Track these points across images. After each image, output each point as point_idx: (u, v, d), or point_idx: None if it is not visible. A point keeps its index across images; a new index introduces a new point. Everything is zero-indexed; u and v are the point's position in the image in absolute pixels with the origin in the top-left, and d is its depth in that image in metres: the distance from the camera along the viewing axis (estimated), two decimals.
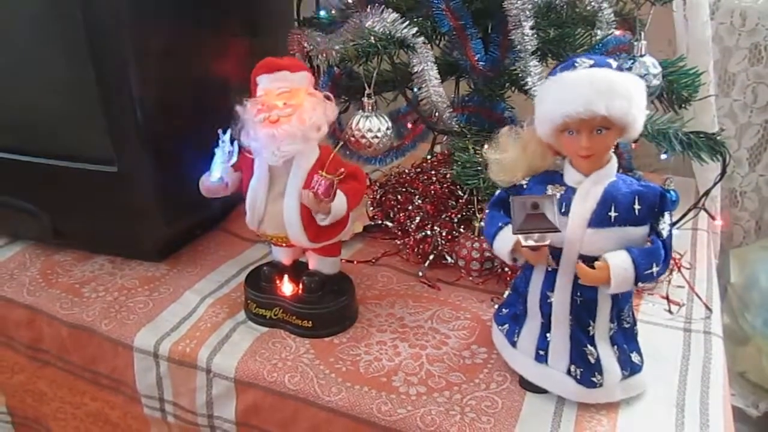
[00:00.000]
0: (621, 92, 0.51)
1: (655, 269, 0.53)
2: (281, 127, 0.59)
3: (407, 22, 0.66)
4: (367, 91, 0.66)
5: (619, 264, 0.52)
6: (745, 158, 1.08)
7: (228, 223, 0.90)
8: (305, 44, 0.79)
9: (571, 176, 0.55)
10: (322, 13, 0.84)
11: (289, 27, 0.93)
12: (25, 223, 0.83)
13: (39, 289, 0.78)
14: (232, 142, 0.62)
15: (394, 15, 0.66)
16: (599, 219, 0.53)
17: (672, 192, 0.84)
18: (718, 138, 0.78)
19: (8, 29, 0.74)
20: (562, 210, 0.54)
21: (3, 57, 0.76)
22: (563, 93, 0.52)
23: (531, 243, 0.52)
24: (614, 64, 0.53)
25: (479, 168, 0.63)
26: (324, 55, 0.74)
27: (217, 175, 0.63)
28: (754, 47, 1.02)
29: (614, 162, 0.55)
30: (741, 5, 1.00)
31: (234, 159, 0.62)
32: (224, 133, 0.62)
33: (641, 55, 0.64)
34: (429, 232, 0.79)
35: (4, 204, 0.83)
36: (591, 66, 0.52)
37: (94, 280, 0.79)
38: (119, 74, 0.69)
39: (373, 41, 0.63)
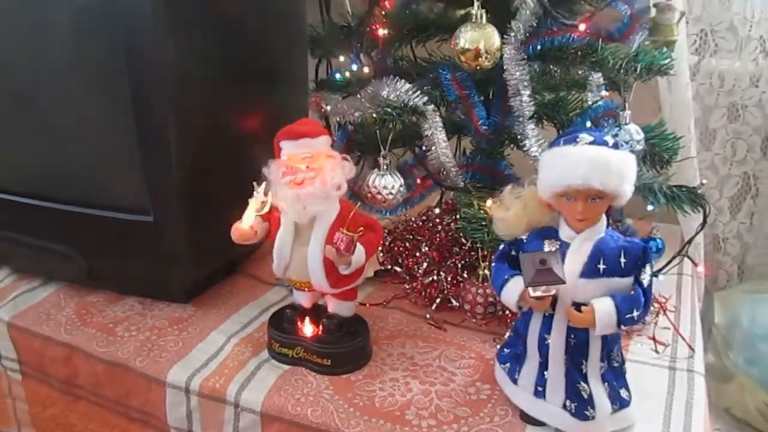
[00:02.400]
0: (615, 170, 0.59)
1: (635, 314, 0.60)
2: (305, 188, 0.66)
3: (419, 92, 0.74)
4: (382, 153, 0.74)
5: (603, 308, 0.59)
6: (726, 207, 1.16)
7: (247, 266, 0.97)
8: (323, 105, 0.88)
9: (565, 232, 0.63)
10: (338, 75, 0.92)
11: (304, 86, 1.02)
12: (62, 266, 0.90)
13: (75, 328, 0.84)
14: (265, 194, 0.69)
15: (407, 85, 0.74)
16: (590, 271, 0.61)
17: (658, 240, 0.92)
18: (699, 191, 0.86)
19: (59, 87, 0.81)
20: None
21: (51, 113, 0.83)
22: (565, 165, 0.60)
23: (539, 294, 0.59)
24: (610, 141, 0.61)
25: (483, 223, 0.71)
26: (341, 116, 0.83)
27: (249, 224, 0.70)
28: (732, 106, 1.11)
29: (603, 221, 0.63)
30: (719, 68, 1.09)
31: (266, 209, 0.69)
32: (258, 185, 0.69)
33: (626, 124, 0.72)
34: (435, 277, 0.87)
35: (43, 247, 0.89)
36: (591, 143, 0.60)
37: (126, 320, 0.85)
38: (159, 133, 0.76)
39: (390, 110, 0.71)
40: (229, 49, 0.84)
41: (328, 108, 0.86)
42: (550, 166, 0.62)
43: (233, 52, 0.85)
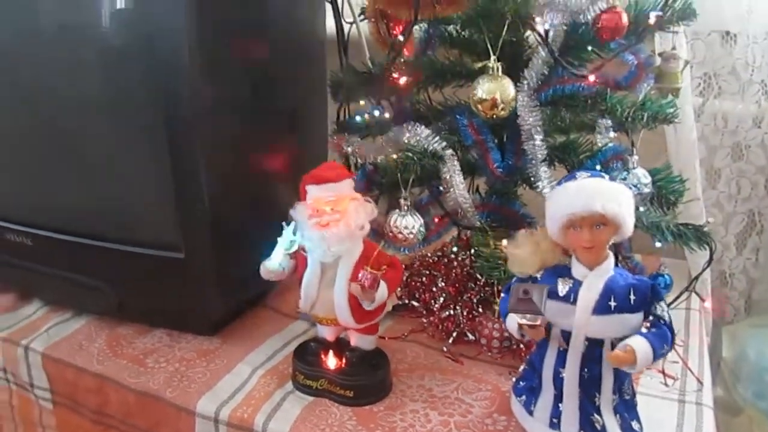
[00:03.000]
0: (613, 196, 0.64)
1: (666, 349, 0.64)
2: (331, 230, 0.71)
3: (438, 137, 0.78)
4: (403, 194, 0.78)
5: (642, 348, 0.62)
6: (732, 243, 1.19)
7: (270, 300, 1.01)
8: (344, 147, 0.93)
9: (577, 270, 0.67)
10: (358, 118, 0.96)
11: (324, 127, 1.07)
12: (93, 299, 0.94)
13: (107, 359, 0.88)
14: (293, 234, 0.74)
15: (427, 131, 0.79)
16: (601, 308, 0.65)
17: (666, 276, 0.95)
18: (705, 229, 0.90)
19: (94, 124, 0.85)
20: (571, 299, 0.66)
21: (86, 150, 0.88)
22: (567, 197, 0.65)
23: (524, 321, 0.64)
24: (606, 177, 0.66)
25: (500, 262, 0.75)
26: (362, 158, 0.88)
27: (277, 261, 0.74)
28: (736, 146, 1.15)
29: (611, 259, 0.67)
30: (723, 109, 1.13)
31: (295, 248, 0.74)
32: (287, 225, 0.73)
33: (634, 168, 0.76)
34: (452, 312, 0.90)
35: (75, 281, 0.94)
36: (588, 177, 0.66)
37: (155, 351, 0.89)
38: (192, 172, 0.81)
39: (411, 154, 0.76)
40: (257, 92, 0.89)
41: (349, 149, 0.91)
42: (555, 201, 0.67)
43: (261, 95, 0.90)
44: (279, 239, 0.74)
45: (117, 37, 0.82)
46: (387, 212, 0.93)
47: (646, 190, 0.76)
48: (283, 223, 0.73)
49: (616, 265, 0.68)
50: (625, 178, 0.75)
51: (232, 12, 0.82)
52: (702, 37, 1.10)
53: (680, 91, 0.86)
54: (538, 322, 0.64)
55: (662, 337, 0.64)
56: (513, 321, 0.66)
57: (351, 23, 1.19)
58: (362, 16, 1.01)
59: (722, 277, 1.21)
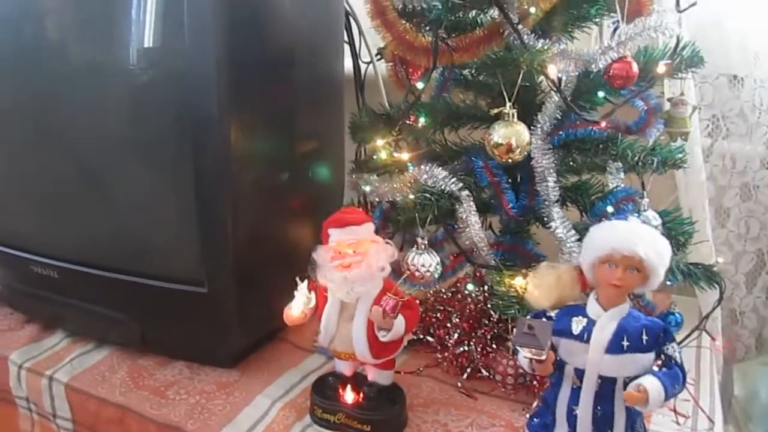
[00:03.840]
0: (658, 248, 0.67)
1: (677, 389, 0.66)
2: (353, 271, 0.73)
3: (454, 178, 0.81)
4: (420, 233, 0.81)
5: (654, 388, 0.64)
6: (742, 282, 1.21)
7: (287, 333, 1.03)
8: (362, 186, 0.96)
9: (592, 309, 0.69)
10: (375, 157, 0.99)
11: (342, 166, 1.10)
12: (116, 330, 0.97)
13: (129, 391, 0.90)
14: (309, 290, 0.76)
15: (444, 172, 0.82)
16: (614, 347, 0.66)
17: (677, 314, 0.97)
18: (715, 269, 0.92)
19: (123, 161, 0.89)
20: (584, 338, 0.68)
21: (114, 186, 0.91)
22: (614, 233, 0.68)
23: (528, 355, 0.66)
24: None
25: (514, 300, 0.77)
26: (380, 197, 0.90)
27: (297, 312, 0.77)
28: (744, 186, 1.17)
29: (627, 302, 0.69)
30: (731, 150, 1.16)
31: (312, 304, 0.76)
32: (302, 281, 0.76)
33: (645, 210, 0.79)
34: (466, 348, 0.92)
35: (98, 313, 0.97)
36: (640, 223, 0.70)
37: (176, 383, 0.91)
38: (217, 211, 0.84)
39: (428, 195, 0.79)
40: (280, 133, 0.92)
41: (367, 188, 0.94)
42: (597, 235, 0.69)
43: (283, 135, 0.93)
44: (296, 292, 0.76)
45: (148, 78, 0.86)
46: (401, 247, 0.96)
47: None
48: (297, 279, 0.76)
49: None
50: None
51: (259, 56, 0.85)
52: (710, 80, 1.13)
53: (689, 135, 0.89)
54: (543, 357, 0.66)
55: (674, 377, 0.65)
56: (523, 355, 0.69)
57: (368, 63, 1.23)
58: (378, 56, 1.05)
59: (733, 315, 1.23)
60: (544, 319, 0.69)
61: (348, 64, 1.17)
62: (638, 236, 0.66)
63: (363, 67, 1.24)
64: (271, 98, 0.90)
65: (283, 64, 0.91)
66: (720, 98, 1.14)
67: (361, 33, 1.21)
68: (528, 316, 0.72)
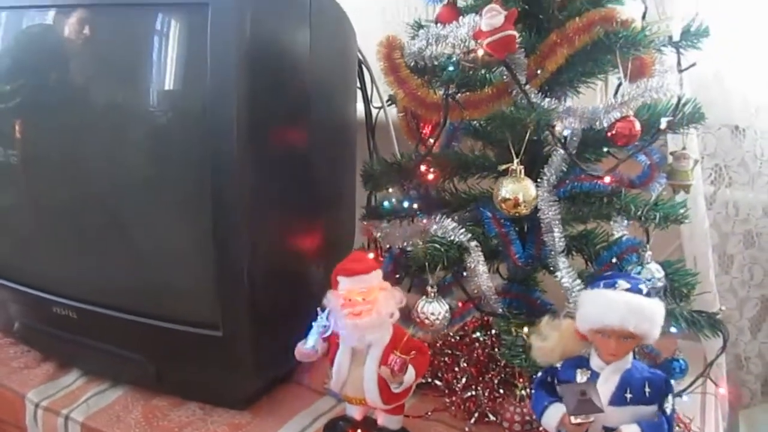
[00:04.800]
0: (648, 316, 0.69)
1: None
2: (363, 319, 0.76)
3: (463, 229, 0.84)
4: (430, 282, 0.83)
5: None
6: (747, 327, 1.22)
7: (298, 375, 1.05)
8: (374, 232, 0.99)
9: (595, 362, 0.71)
10: (386, 203, 1.02)
11: (353, 212, 1.13)
12: (132, 371, 0.99)
13: (143, 431, 0.92)
14: (327, 319, 0.79)
15: (453, 224, 0.85)
16: (618, 399, 0.69)
17: (681, 360, 0.98)
18: (718, 317, 0.94)
19: (141, 204, 0.92)
20: None
21: (132, 229, 0.94)
22: (605, 307, 0.70)
23: (579, 420, 0.67)
24: (644, 290, 0.71)
25: (521, 350, 0.79)
26: (391, 244, 0.93)
27: (311, 344, 0.79)
28: (748, 233, 1.19)
29: (630, 354, 0.71)
30: (734, 198, 1.18)
31: (328, 332, 0.79)
32: (323, 311, 0.79)
33: (648, 263, 0.81)
34: (473, 392, 0.94)
35: (115, 353, 0.99)
36: (628, 289, 0.70)
37: (190, 425, 0.93)
38: (234, 255, 0.86)
39: (438, 245, 0.82)
40: (295, 177, 0.94)
41: (378, 235, 0.97)
42: (591, 306, 0.71)
43: (298, 180, 0.95)
44: (314, 324, 0.79)
45: (169, 122, 0.89)
46: (410, 288, 0.99)
47: (660, 284, 0.80)
48: (318, 309, 0.78)
49: (633, 353, 0.72)
50: (639, 272, 0.80)
51: (277, 102, 0.88)
52: (712, 131, 1.16)
53: (691, 187, 0.92)
54: (592, 419, 0.67)
55: (656, 427, 0.68)
56: (554, 420, 0.70)
57: (379, 108, 1.27)
58: (389, 102, 1.08)
59: (738, 361, 1.24)
60: (581, 378, 0.71)
61: (359, 108, 1.21)
62: (627, 310, 0.68)
63: (374, 111, 1.28)
64: (288, 143, 0.93)
65: (299, 110, 0.94)
66: (722, 148, 1.17)
67: (372, 80, 1.25)
68: (539, 375, 0.75)
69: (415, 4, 1.36)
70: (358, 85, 1.20)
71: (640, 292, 0.70)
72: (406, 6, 1.39)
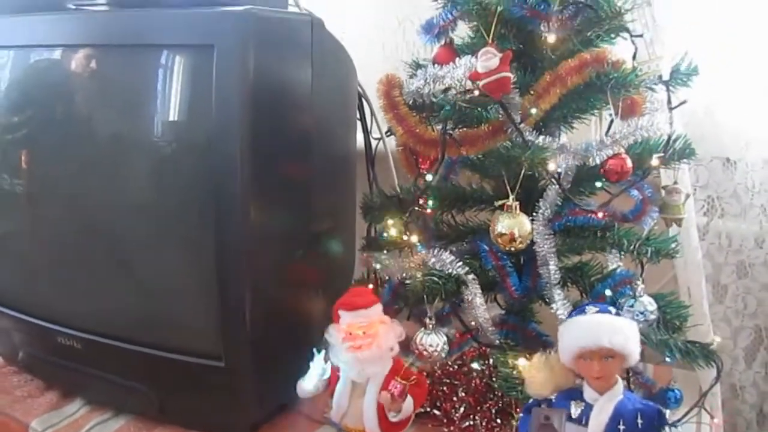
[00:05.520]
0: (618, 329, 0.72)
1: None
2: (363, 352, 0.78)
3: (460, 262, 0.87)
4: (428, 314, 0.85)
5: None
6: (741, 357, 1.24)
7: (299, 404, 1.06)
8: (373, 263, 1.01)
9: (588, 394, 0.73)
10: (385, 234, 1.04)
11: (353, 243, 1.15)
12: (134, 400, 1.00)
13: None
14: (325, 362, 0.81)
15: (451, 257, 0.87)
16: (611, 431, 0.70)
17: (676, 390, 1.00)
18: (712, 347, 0.95)
19: (145, 235, 0.94)
20: (583, 422, 0.72)
21: (135, 259, 0.96)
22: (578, 332, 0.73)
23: None
24: (613, 311, 0.74)
25: (517, 382, 0.81)
26: (390, 275, 0.95)
27: (312, 384, 0.81)
28: (740, 264, 1.21)
29: (620, 384, 0.73)
30: (726, 229, 1.21)
31: (327, 376, 0.81)
32: (318, 352, 0.81)
33: (640, 296, 0.83)
34: (471, 422, 0.95)
35: (119, 383, 1.00)
36: (597, 311, 0.73)
37: None
38: (237, 287, 0.88)
39: (436, 278, 0.84)
40: (296, 210, 0.97)
41: (378, 266, 0.99)
42: (567, 335, 0.74)
43: (299, 213, 0.97)
44: (312, 363, 0.81)
45: (173, 155, 0.91)
46: (408, 317, 1.01)
47: (652, 316, 0.82)
48: (314, 350, 0.80)
49: (628, 383, 0.74)
50: (632, 305, 0.82)
51: (280, 135, 0.90)
52: (704, 163, 1.18)
53: (683, 221, 0.94)
54: None
55: None
56: None
57: (378, 140, 1.29)
58: (389, 133, 1.11)
59: (733, 390, 1.25)
60: (574, 408, 0.74)
61: (359, 139, 1.23)
62: (599, 328, 0.71)
63: (373, 143, 1.30)
64: (290, 178, 0.95)
65: (301, 145, 0.96)
66: (714, 180, 1.19)
67: (372, 112, 1.28)
68: (531, 401, 0.76)
69: (413, 39, 1.40)
70: (358, 116, 1.23)
71: (608, 312, 0.74)
72: (404, 42, 1.42)
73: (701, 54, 0.92)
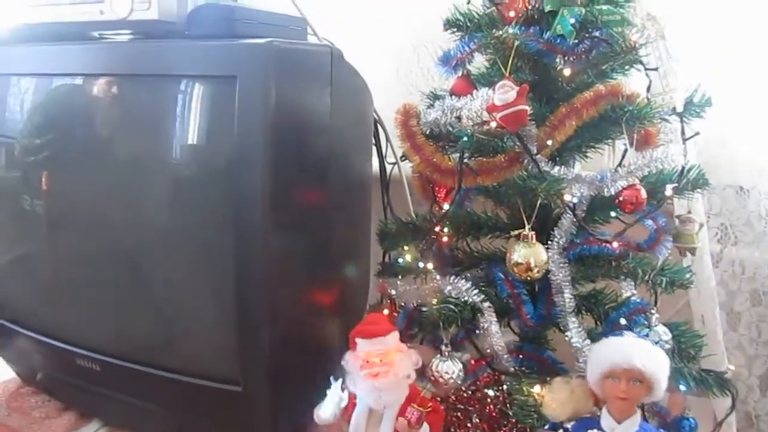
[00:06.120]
0: (653, 357, 0.73)
1: None
2: (380, 380, 0.79)
3: (476, 290, 0.88)
4: (444, 341, 0.86)
5: None
6: (756, 385, 1.24)
7: (313, 429, 1.07)
8: (389, 290, 1.02)
9: (606, 422, 0.74)
10: (400, 260, 1.05)
11: (367, 268, 1.16)
12: (153, 422, 1.01)
13: None
14: (342, 390, 0.82)
15: (467, 284, 0.88)
16: None
17: (691, 419, 1.00)
18: (726, 376, 0.95)
19: (166, 259, 0.96)
20: None
21: (156, 285, 0.98)
22: (612, 350, 0.75)
23: None
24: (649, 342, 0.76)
25: (533, 410, 0.81)
26: (405, 302, 0.97)
27: (328, 412, 0.82)
28: (754, 291, 1.21)
29: (638, 415, 0.73)
30: (740, 256, 1.21)
31: (344, 404, 0.82)
32: (335, 380, 0.82)
33: (655, 325, 0.84)
34: None
35: (137, 405, 1.01)
36: (634, 337, 0.77)
37: None
38: (256, 314, 0.89)
39: (452, 306, 0.85)
40: (313, 236, 0.98)
41: (393, 292, 1.00)
42: (600, 352, 0.76)
43: (316, 239, 0.98)
44: (329, 390, 0.82)
45: (192, 182, 0.93)
46: (421, 341, 1.02)
47: (667, 346, 0.83)
48: (331, 378, 0.81)
49: (643, 411, 0.75)
50: (647, 335, 0.83)
51: (299, 161, 0.92)
52: (717, 191, 1.19)
53: (696, 250, 0.95)
54: None
55: None
56: None
57: (393, 164, 1.31)
58: (404, 158, 1.12)
59: (748, 419, 1.25)
60: None
61: (374, 163, 1.25)
62: (634, 349, 0.73)
63: (388, 167, 1.32)
64: (308, 204, 0.96)
65: (319, 172, 0.98)
66: (727, 208, 1.20)
67: (387, 138, 1.29)
68: (546, 427, 0.77)
69: (427, 66, 1.43)
70: (373, 142, 1.25)
71: (646, 339, 0.76)
72: (419, 67, 1.45)
73: (715, 83, 0.94)
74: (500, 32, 0.82)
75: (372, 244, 1.15)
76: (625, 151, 0.88)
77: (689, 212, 0.94)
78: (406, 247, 1.02)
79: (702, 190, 0.93)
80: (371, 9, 1.43)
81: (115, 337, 1.03)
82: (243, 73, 0.83)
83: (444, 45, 0.98)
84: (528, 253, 0.81)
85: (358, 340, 0.81)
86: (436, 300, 0.89)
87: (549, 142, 0.81)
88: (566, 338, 0.89)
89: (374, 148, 1.26)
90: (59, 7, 0.96)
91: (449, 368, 0.86)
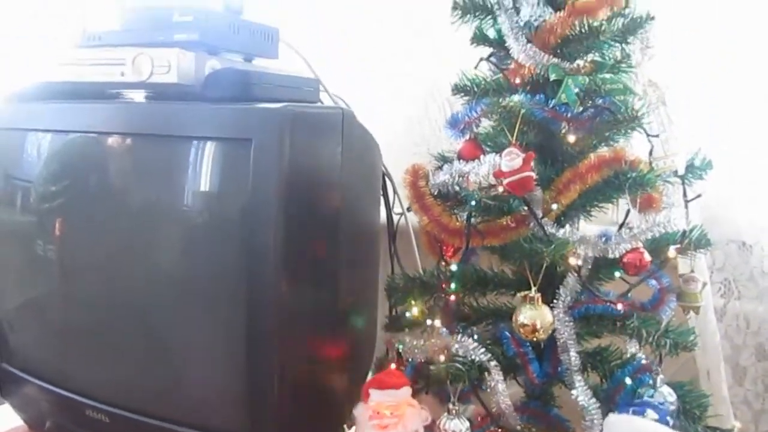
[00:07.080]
0: None
1: None
2: None
3: (483, 349, 0.89)
4: (452, 400, 0.87)
5: None
6: None
7: None
8: (396, 345, 1.03)
9: None
10: (407, 314, 1.07)
11: (374, 321, 1.17)
12: None
13: None
14: None
15: (474, 343, 0.89)
16: None
17: None
18: None
19: (175, 310, 0.97)
20: None
21: (166, 339, 0.99)
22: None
23: None
24: (671, 422, 0.78)
25: None
26: (413, 356, 0.98)
27: None
28: (759, 346, 1.22)
29: None
30: (744, 311, 1.22)
31: None
32: (347, 430, 0.83)
33: (660, 386, 0.85)
34: None
35: None
36: (655, 420, 0.77)
37: None
38: (266, 370, 0.90)
39: (459, 365, 0.86)
40: (323, 288, 0.99)
41: (400, 347, 1.01)
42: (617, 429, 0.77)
43: (325, 291, 1.00)
44: None
45: (206, 238, 0.95)
46: (426, 392, 1.02)
47: (672, 407, 0.84)
48: (344, 427, 0.82)
49: None
50: (651, 396, 0.84)
51: (310, 213, 0.94)
52: (720, 246, 1.21)
53: (700, 309, 0.96)
54: None
55: None
56: None
57: (400, 215, 1.33)
58: (410, 209, 1.14)
59: None
60: None
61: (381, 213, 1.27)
62: None
63: (395, 217, 1.34)
64: (318, 255, 0.98)
65: (330, 226, 0.99)
66: (730, 263, 1.22)
67: (395, 190, 1.32)
68: None
69: (434, 117, 1.46)
70: (381, 193, 1.27)
71: (667, 423, 0.76)
72: (427, 118, 1.48)
73: (716, 145, 0.96)
74: (506, 101, 0.84)
75: (380, 296, 1.16)
76: (628, 211, 0.90)
77: (692, 271, 0.96)
78: (413, 302, 1.04)
79: (705, 249, 0.94)
80: (380, 65, 1.47)
81: (124, 388, 1.04)
82: (258, 137, 0.86)
83: (451, 98, 1.01)
84: (534, 315, 0.82)
85: (372, 391, 0.83)
86: (443, 357, 0.90)
87: (554, 206, 0.84)
88: (572, 396, 0.90)
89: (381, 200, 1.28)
90: (82, 67, 1.00)
91: (457, 426, 0.87)
